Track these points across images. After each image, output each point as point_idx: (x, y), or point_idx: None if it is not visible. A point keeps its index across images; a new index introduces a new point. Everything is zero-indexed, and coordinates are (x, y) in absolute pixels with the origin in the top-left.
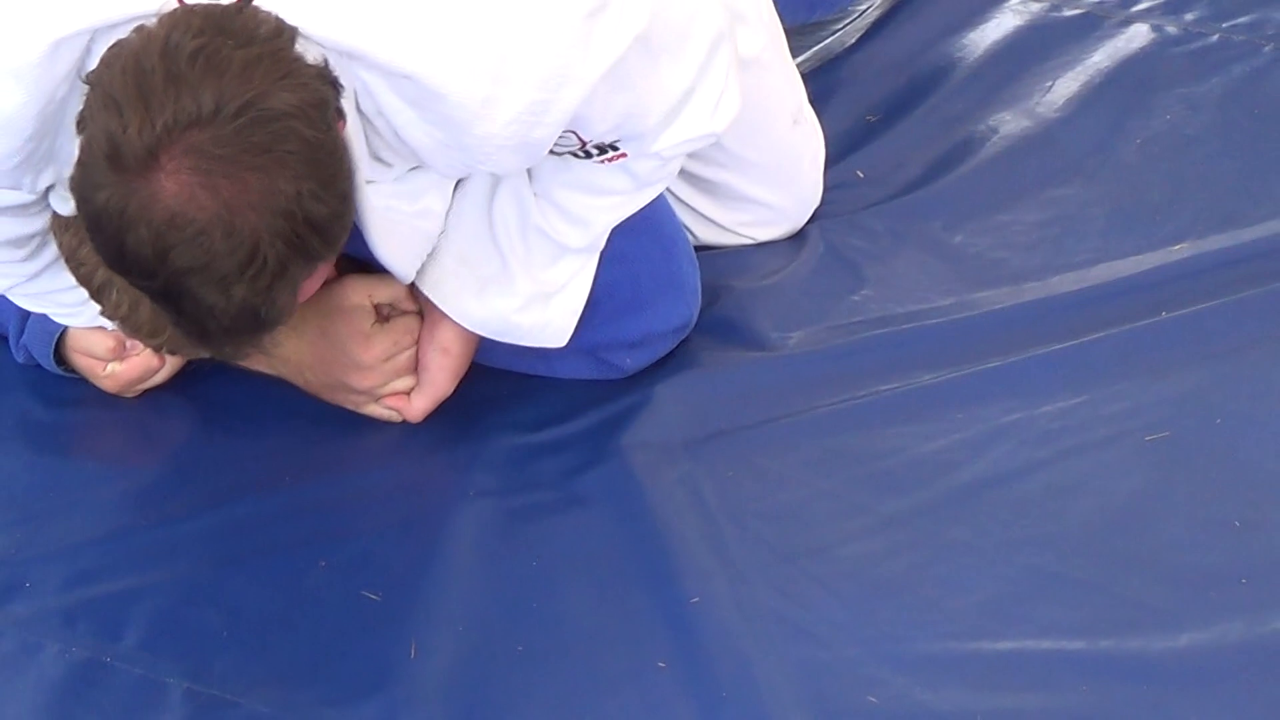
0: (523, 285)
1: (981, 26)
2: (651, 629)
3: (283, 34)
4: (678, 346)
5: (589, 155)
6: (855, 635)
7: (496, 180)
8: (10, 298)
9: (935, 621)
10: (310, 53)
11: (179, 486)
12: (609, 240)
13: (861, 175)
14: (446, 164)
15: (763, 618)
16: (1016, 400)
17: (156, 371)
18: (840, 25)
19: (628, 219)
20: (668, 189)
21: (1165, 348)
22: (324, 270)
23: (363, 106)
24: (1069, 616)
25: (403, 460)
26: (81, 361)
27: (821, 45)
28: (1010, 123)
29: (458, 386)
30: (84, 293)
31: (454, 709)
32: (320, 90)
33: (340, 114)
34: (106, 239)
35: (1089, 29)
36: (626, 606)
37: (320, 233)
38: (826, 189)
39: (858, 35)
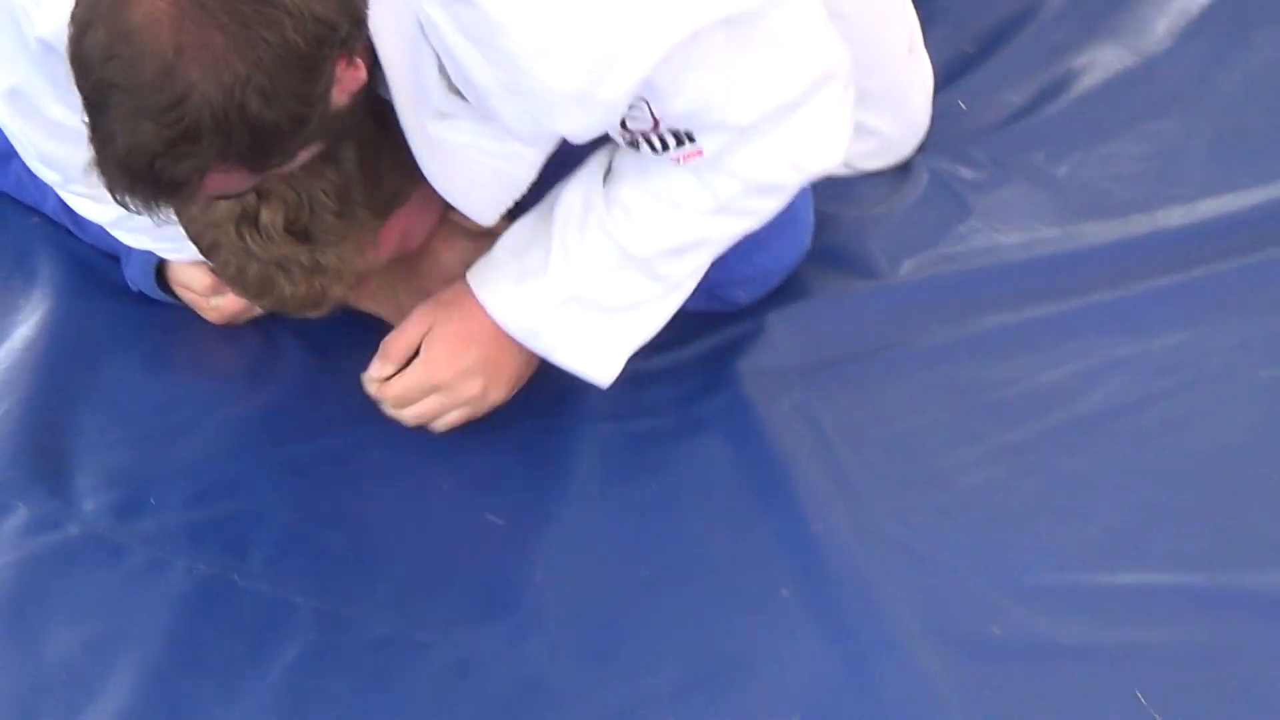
0: (564, 281)
1: None
2: (773, 556)
3: None
4: (790, 276)
5: (664, 145)
6: (976, 564)
7: (569, 170)
8: (114, 233)
9: (1054, 552)
10: None
11: (301, 408)
12: None
13: (964, 106)
14: (515, 117)
15: (883, 545)
16: (1129, 333)
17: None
18: None
19: None
20: None
21: (1273, 283)
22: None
23: (432, 41)
24: (1188, 550)
25: (527, 389)
26: (184, 294)
27: None
28: (1110, 54)
29: None
30: None
31: (580, 632)
32: (332, 16)
33: (348, 55)
34: (77, 25)
35: None
36: (748, 533)
37: (251, 131)
38: (931, 119)
39: None
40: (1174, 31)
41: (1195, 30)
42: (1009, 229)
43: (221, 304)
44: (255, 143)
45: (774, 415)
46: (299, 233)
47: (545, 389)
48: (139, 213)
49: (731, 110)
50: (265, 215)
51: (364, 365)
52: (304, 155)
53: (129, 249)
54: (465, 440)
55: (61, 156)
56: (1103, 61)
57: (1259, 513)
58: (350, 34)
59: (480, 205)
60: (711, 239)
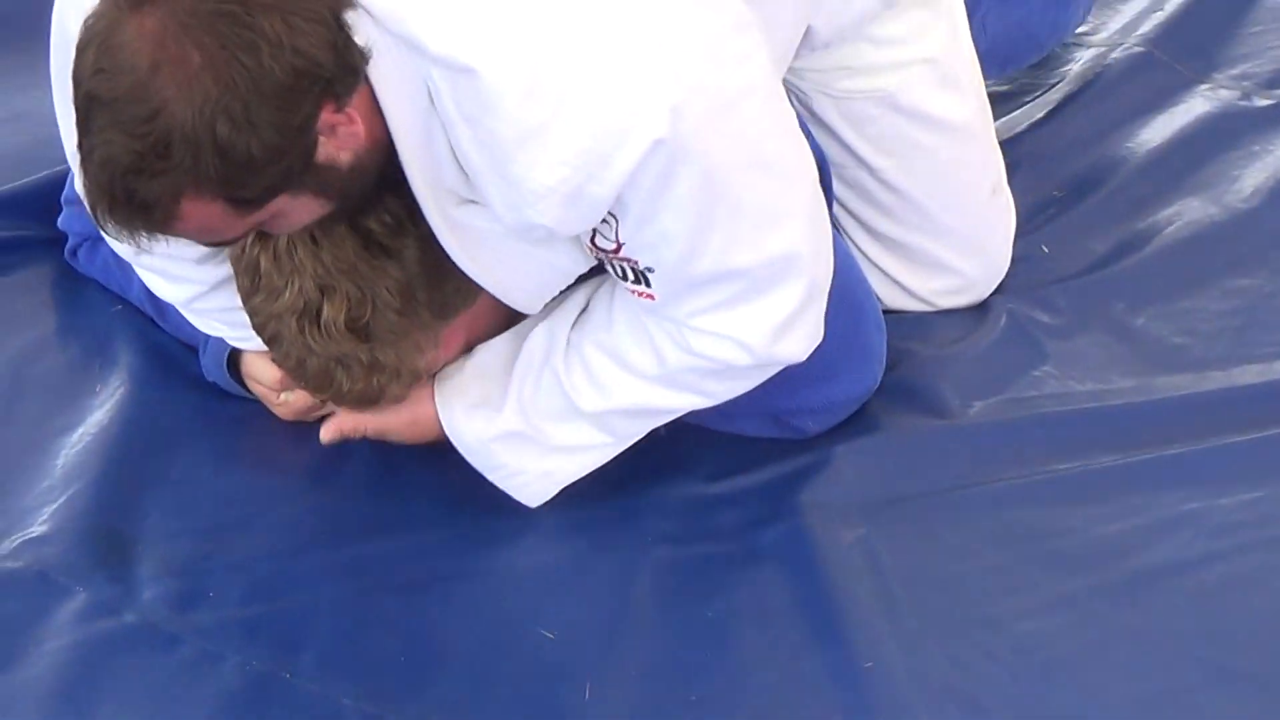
0: (510, 417)
1: (1170, 110)
2: (823, 689)
3: None
4: (859, 409)
5: (623, 275)
6: (1026, 713)
7: (551, 310)
8: (187, 315)
9: (1107, 707)
10: (364, 33)
11: (363, 509)
12: None
13: (1046, 250)
14: (500, 202)
15: (934, 686)
16: (1196, 489)
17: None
18: (1028, 99)
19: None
20: (859, 251)
21: None
22: (217, 213)
23: (440, 113)
24: (1244, 714)
25: (581, 501)
26: (255, 387)
27: (1009, 117)
28: (1196, 209)
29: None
30: None
31: None
32: (315, 52)
33: (336, 101)
34: (78, 46)
35: (1278, 119)
36: (799, 664)
37: (221, 156)
38: (1012, 262)
39: (1045, 110)
40: (1261, 189)
41: None
42: (1082, 377)
43: (291, 400)
44: (226, 170)
45: (833, 549)
46: (359, 330)
47: (606, 508)
48: (120, 239)
49: (684, 255)
50: (328, 311)
51: (430, 470)
52: (288, 202)
53: (206, 339)
54: (524, 553)
55: None
56: (1188, 216)
57: None
58: (337, 77)
59: (522, 296)
60: (662, 410)
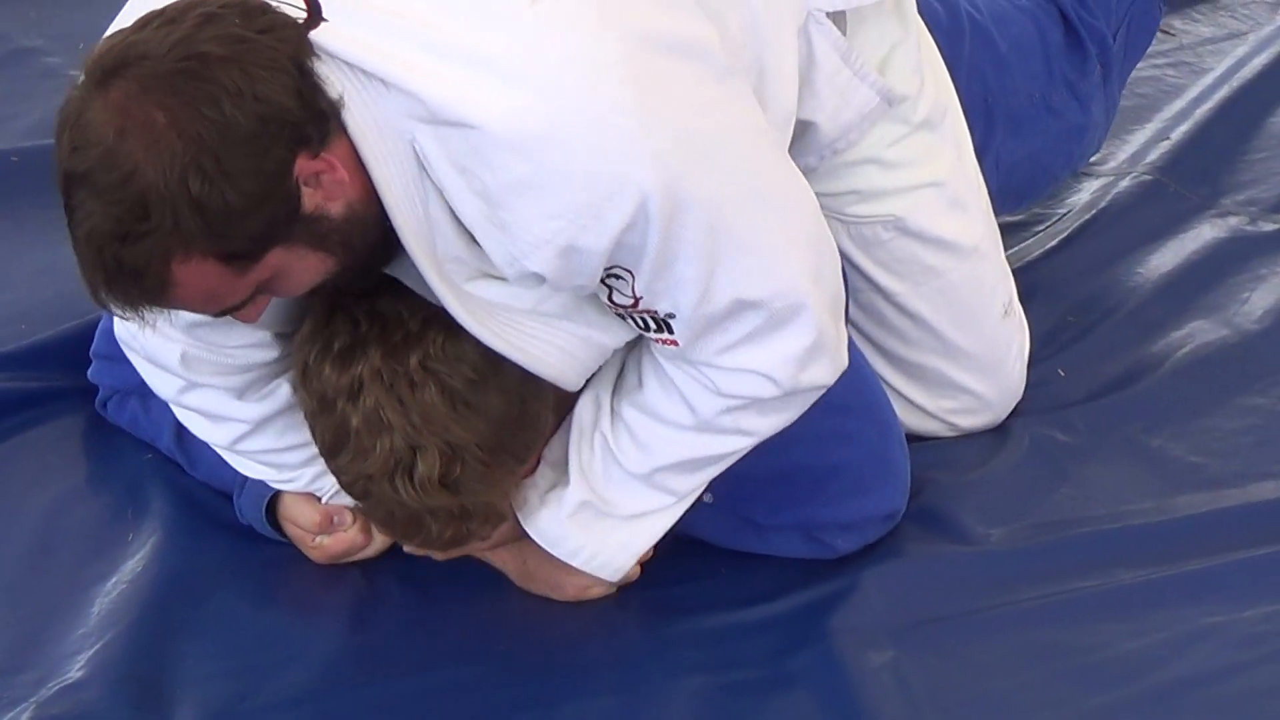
0: (577, 488)
1: (1180, 236)
2: None
3: (288, 39)
4: (885, 535)
5: (644, 326)
6: None
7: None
8: (228, 458)
9: None
10: (336, 85)
11: (396, 648)
12: (840, 419)
13: (1063, 374)
14: (497, 253)
15: None
16: (1218, 603)
17: (362, 548)
18: (1040, 227)
19: (858, 402)
20: (879, 375)
21: None
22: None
23: (432, 176)
24: None
25: (615, 633)
26: (291, 530)
27: (1021, 245)
28: (1207, 330)
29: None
30: (304, 454)
31: None
32: (277, 97)
33: (308, 146)
34: (55, 136)
35: None
36: None
37: (198, 211)
38: (1030, 386)
39: (1057, 239)
40: (1270, 310)
41: None
42: (1103, 498)
43: (326, 543)
44: (206, 225)
45: (864, 673)
46: (452, 484)
47: (640, 639)
48: (125, 317)
49: (701, 296)
50: (421, 468)
51: (462, 605)
52: (284, 257)
53: (243, 481)
54: (558, 685)
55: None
56: (1199, 338)
57: None
58: (306, 122)
59: (556, 371)
60: (709, 457)
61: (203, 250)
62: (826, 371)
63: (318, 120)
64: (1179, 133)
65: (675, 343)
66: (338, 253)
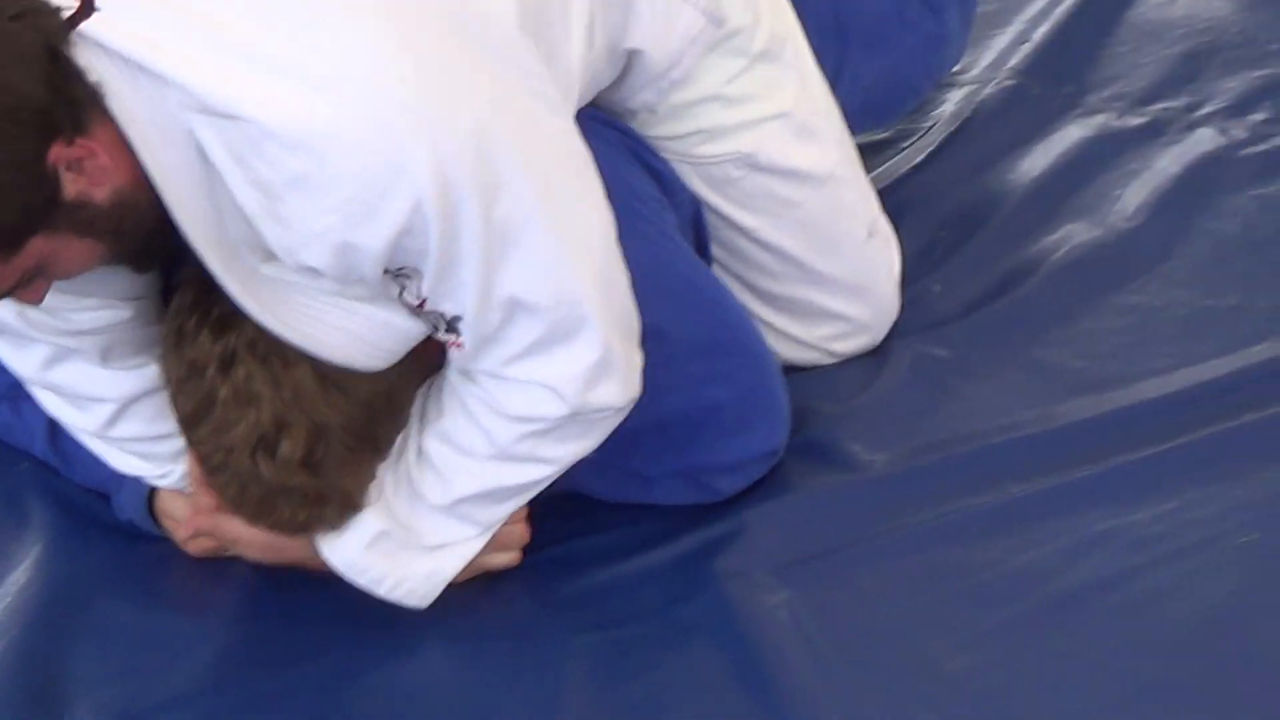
0: (375, 518)
1: (1047, 139)
2: None
3: (40, 28)
4: (769, 472)
5: (435, 327)
6: None
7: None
8: (100, 449)
9: None
10: (98, 72)
11: (284, 637)
12: (710, 361)
13: (938, 289)
14: (276, 242)
15: None
16: (1108, 508)
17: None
18: (906, 144)
19: (728, 340)
20: (750, 310)
21: (1250, 450)
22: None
23: (213, 163)
24: None
25: (503, 600)
26: (167, 524)
27: (889, 164)
28: (1081, 232)
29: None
30: (175, 444)
31: None
32: (26, 88)
33: (59, 133)
34: None
35: (1153, 136)
36: None
37: None
38: (906, 304)
39: (924, 154)
40: (1143, 206)
41: (1164, 205)
42: (986, 412)
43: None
44: None
45: (757, 614)
46: (313, 465)
47: (529, 604)
48: None
49: (483, 298)
50: (285, 447)
51: (347, 589)
52: (47, 244)
53: (120, 478)
54: (455, 656)
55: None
56: (1074, 239)
57: (1245, 681)
58: (56, 109)
59: (351, 355)
60: (510, 488)
61: None
62: (616, 393)
63: (70, 107)
64: (1040, 34)
65: (461, 345)
66: (106, 239)
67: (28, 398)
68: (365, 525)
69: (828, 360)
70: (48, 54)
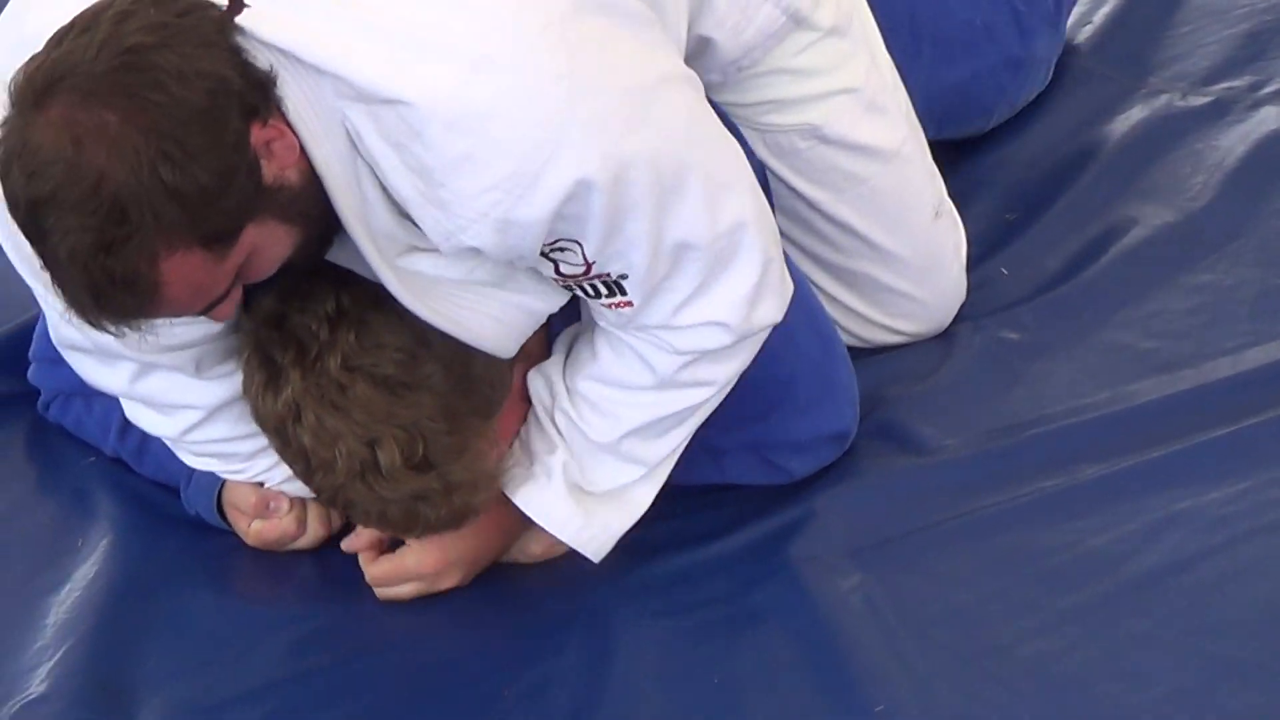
0: (558, 461)
1: (1110, 120)
2: None
3: (211, 19)
4: (840, 456)
5: (595, 293)
6: None
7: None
8: (179, 451)
9: (1122, 717)
10: (262, 58)
11: (355, 628)
12: (780, 334)
13: (1006, 273)
14: (433, 229)
15: None
16: (1183, 489)
17: (295, 538)
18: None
19: (796, 316)
20: (814, 284)
21: None
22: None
23: (363, 152)
24: (1258, 702)
25: (578, 588)
26: (231, 514)
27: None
28: (1148, 212)
29: None
30: (256, 443)
31: None
32: (218, 69)
33: (257, 114)
34: (1, 172)
35: (1218, 115)
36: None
37: (175, 199)
38: (973, 288)
39: (988, 136)
40: (1209, 186)
41: (1230, 183)
42: (1057, 394)
43: (260, 528)
44: (186, 211)
45: (830, 599)
46: (421, 464)
47: (603, 590)
48: (121, 335)
49: (653, 250)
50: (383, 458)
51: None
52: (257, 233)
53: (190, 472)
54: (524, 649)
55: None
56: (1141, 220)
57: None
58: (249, 91)
59: (490, 340)
60: (673, 414)
61: (186, 240)
62: (774, 307)
63: (260, 88)
64: (1101, 15)
65: (630, 304)
66: (301, 223)
67: (99, 394)
68: (553, 469)
69: (894, 339)
70: (223, 39)
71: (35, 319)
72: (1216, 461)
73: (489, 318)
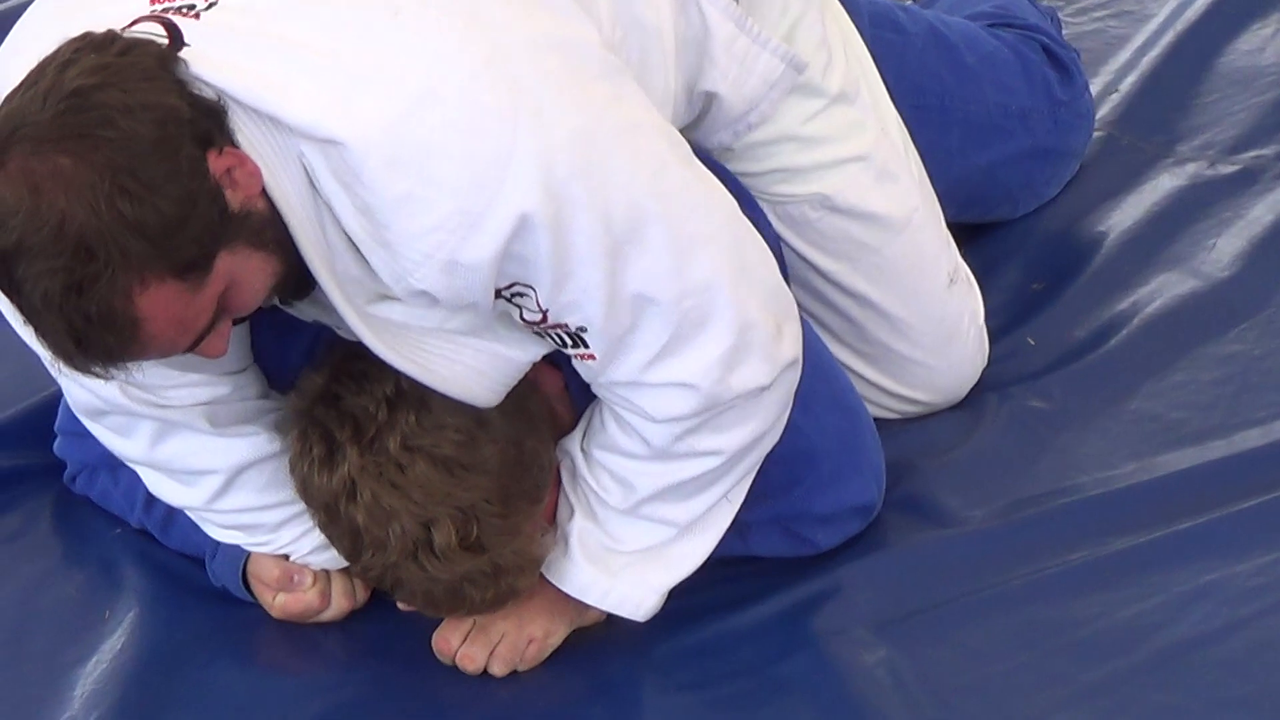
0: (584, 530)
1: (1139, 189)
2: None
3: (152, 54)
4: (866, 527)
5: (561, 343)
6: None
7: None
8: (203, 522)
9: None
10: (208, 91)
11: (380, 703)
12: (805, 409)
13: (1033, 343)
14: (384, 269)
15: None
16: (1212, 560)
17: (319, 611)
18: None
19: (823, 390)
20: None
21: None
22: (181, 294)
23: (320, 192)
24: None
25: (600, 661)
26: (256, 587)
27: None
28: (1175, 282)
29: None
30: (282, 514)
31: None
32: (164, 100)
33: (212, 142)
34: None
35: (1246, 184)
36: None
37: (138, 233)
38: (1000, 358)
39: None
40: (1237, 255)
41: (1259, 253)
42: (1085, 465)
43: (285, 601)
44: (151, 243)
45: (856, 672)
46: (474, 546)
47: (626, 663)
48: (108, 377)
49: (609, 302)
50: (439, 539)
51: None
52: (232, 262)
53: (216, 544)
54: (547, 717)
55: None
56: (1168, 290)
57: None
58: (200, 119)
59: (469, 390)
60: (684, 483)
61: (157, 272)
62: (760, 371)
63: (211, 115)
64: (1127, 84)
65: (593, 357)
66: (278, 251)
67: (125, 466)
68: (580, 538)
69: (914, 410)
70: (169, 74)
71: (59, 392)
72: (1245, 533)
73: (465, 367)
